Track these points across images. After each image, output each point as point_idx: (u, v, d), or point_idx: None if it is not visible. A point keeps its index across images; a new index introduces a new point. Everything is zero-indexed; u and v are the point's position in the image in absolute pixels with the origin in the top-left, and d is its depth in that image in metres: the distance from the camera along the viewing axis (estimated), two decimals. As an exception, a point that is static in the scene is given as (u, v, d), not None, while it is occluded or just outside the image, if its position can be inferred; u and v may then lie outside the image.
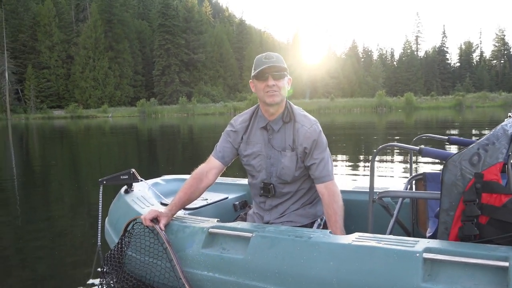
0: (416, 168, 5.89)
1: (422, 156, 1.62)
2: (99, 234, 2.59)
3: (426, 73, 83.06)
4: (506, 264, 1.22)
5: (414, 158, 5.97)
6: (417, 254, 1.35)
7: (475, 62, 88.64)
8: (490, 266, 1.26)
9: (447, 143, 2.23)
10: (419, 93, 62.20)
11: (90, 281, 2.26)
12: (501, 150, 1.38)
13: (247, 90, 61.50)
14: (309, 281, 1.49)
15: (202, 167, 2.01)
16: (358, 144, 10.76)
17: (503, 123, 1.48)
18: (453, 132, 14.58)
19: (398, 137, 12.62)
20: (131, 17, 73.23)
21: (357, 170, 6.18)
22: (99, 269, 2.18)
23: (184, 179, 2.69)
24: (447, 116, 27.87)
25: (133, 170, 2.43)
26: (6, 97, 56.27)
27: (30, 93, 58.64)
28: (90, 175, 7.03)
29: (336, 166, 6.62)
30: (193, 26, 70.77)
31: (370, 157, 1.76)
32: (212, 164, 2.01)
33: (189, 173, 2.03)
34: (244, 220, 2.15)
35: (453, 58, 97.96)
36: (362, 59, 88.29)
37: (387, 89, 68.96)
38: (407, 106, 46.25)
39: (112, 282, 1.80)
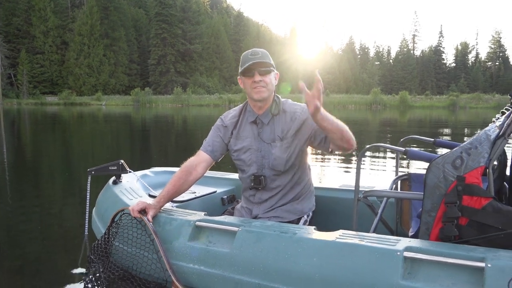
0: (407, 165, 5.95)
1: (407, 158, 1.65)
2: (86, 223, 2.60)
3: (422, 72, 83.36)
4: (482, 264, 1.26)
5: (401, 158, 6.01)
6: (398, 253, 1.39)
7: (470, 63, 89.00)
8: (467, 266, 1.30)
9: (434, 145, 2.27)
10: (413, 92, 62.46)
11: (77, 270, 2.27)
12: (483, 155, 1.42)
13: (242, 83, 61.22)
14: (293, 276, 1.52)
15: (191, 160, 2.03)
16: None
17: (486, 128, 1.51)
18: (446, 131, 14.72)
19: (390, 135, 12.71)
20: (128, 5, 72.44)
21: (346, 167, 6.22)
22: (86, 259, 2.19)
23: (173, 172, 2.71)
24: (441, 116, 28.04)
25: (122, 161, 2.44)
26: (-2, 81, 55.63)
27: (23, 78, 57.94)
28: (81, 163, 7.00)
29: (325, 162, 6.68)
30: (191, 16, 70.21)
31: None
32: (201, 158, 2.03)
33: (180, 166, 2.04)
34: (232, 214, 2.17)
35: (449, 58, 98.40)
36: (359, 56, 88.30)
37: (382, 86, 69.10)
38: (401, 105, 46.43)
39: (98, 272, 1.81)
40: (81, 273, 2.18)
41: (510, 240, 1.37)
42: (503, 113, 1.69)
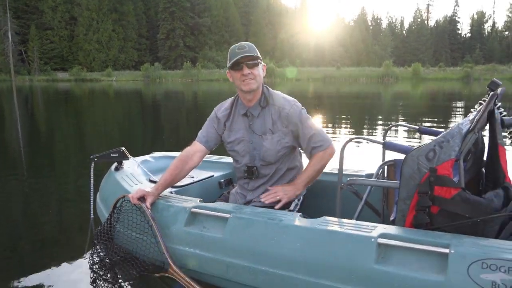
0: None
1: (385, 150, 1.74)
2: (91, 208, 2.76)
3: (436, 43, 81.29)
4: (447, 250, 1.37)
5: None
6: (372, 239, 1.51)
7: (486, 33, 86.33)
8: (433, 252, 1.41)
9: (419, 133, 2.35)
10: (427, 64, 61.16)
11: (83, 252, 2.39)
12: (454, 148, 1.50)
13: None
14: (278, 260, 1.65)
15: (187, 150, 2.15)
16: (359, 119, 10.83)
17: (460, 121, 1.59)
18: (459, 104, 14.61)
19: (402, 110, 12.67)
20: (136, -22, 71.52)
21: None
22: (91, 241, 2.34)
23: (172, 156, 2.84)
24: (454, 89, 27.59)
25: (123, 148, 2.57)
26: (9, 58, 55.89)
27: (34, 54, 58.26)
28: (93, 142, 7.21)
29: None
30: (199, -12, 69.19)
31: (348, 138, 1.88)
32: (196, 148, 2.15)
33: (181, 150, 2.16)
34: (227, 198, 2.30)
35: (465, 28, 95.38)
36: (371, 27, 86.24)
37: (395, 58, 67.76)
38: (414, 77, 45.58)
39: (102, 254, 1.97)
40: (86, 255, 2.32)
41: (476, 227, 1.48)
42: (480, 104, 1.75)
